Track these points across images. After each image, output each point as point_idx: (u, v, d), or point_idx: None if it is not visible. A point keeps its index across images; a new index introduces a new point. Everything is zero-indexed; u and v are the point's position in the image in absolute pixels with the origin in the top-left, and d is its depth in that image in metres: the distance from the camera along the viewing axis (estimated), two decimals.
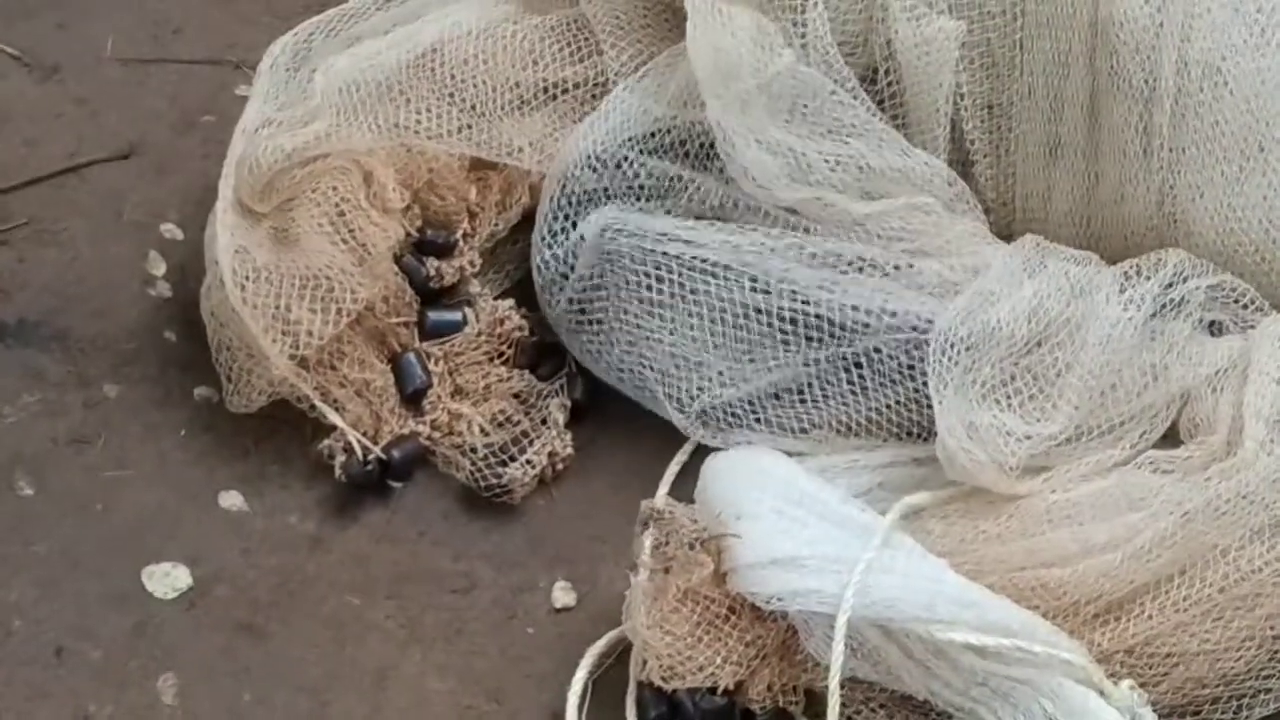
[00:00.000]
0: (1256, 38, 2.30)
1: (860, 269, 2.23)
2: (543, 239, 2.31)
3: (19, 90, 2.69)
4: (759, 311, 2.23)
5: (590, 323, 2.31)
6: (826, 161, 2.30)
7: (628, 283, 2.27)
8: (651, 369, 2.29)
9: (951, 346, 2.14)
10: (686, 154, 2.34)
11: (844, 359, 2.21)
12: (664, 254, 2.26)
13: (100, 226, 2.54)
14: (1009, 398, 2.16)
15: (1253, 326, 2.27)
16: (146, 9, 2.79)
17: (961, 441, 2.09)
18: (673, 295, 2.26)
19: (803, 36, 2.34)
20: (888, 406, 2.20)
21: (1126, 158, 2.36)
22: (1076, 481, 2.14)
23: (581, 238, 2.27)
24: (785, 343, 2.22)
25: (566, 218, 2.31)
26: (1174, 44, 2.31)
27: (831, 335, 2.21)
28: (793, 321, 2.22)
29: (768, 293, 2.22)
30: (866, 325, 2.19)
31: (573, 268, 2.29)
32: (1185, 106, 2.32)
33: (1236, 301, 2.30)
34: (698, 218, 2.31)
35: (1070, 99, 2.38)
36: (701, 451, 2.25)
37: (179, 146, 2.63)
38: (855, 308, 2.20)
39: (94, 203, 2.57)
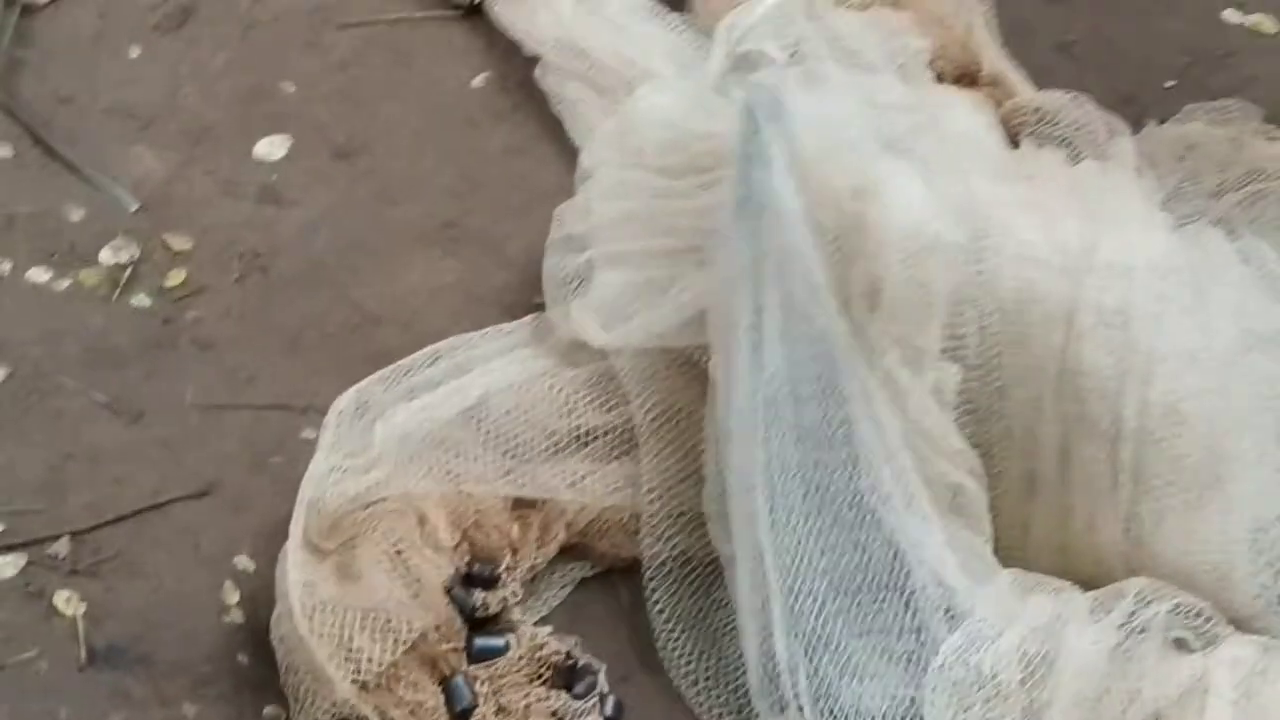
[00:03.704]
0: (1211, 382, 2.47)
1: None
2: None
3: (109, 434, 2.75)
4: None
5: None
6: None
7: None
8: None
9: (942, 692, 2.28)
10: None
11: None
12: None
13: (180, 559, 2.62)
14: None
15: (1213, 643, 2.38)
16: (223, 360, 2.86)
17: None
18: None
19: None
20: None
21: (1095, 491, 2.49)
22: None
23: None
24: None
25: None
26: (1136, 388, 2.47)
27: None
28: None
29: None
30: None
31: None
32: (1147, 443, 2.46)
33: (1198, 617, 2.40)
34: None
35: (1044, 439, 2.51)
36: None
37: (251, 485, 2.69)
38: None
39: (175, 537, 2.64)
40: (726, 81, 2.50)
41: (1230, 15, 3.41)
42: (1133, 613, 2.38)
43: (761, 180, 2.33)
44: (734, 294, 2.41)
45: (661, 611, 2.56)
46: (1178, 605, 2.41)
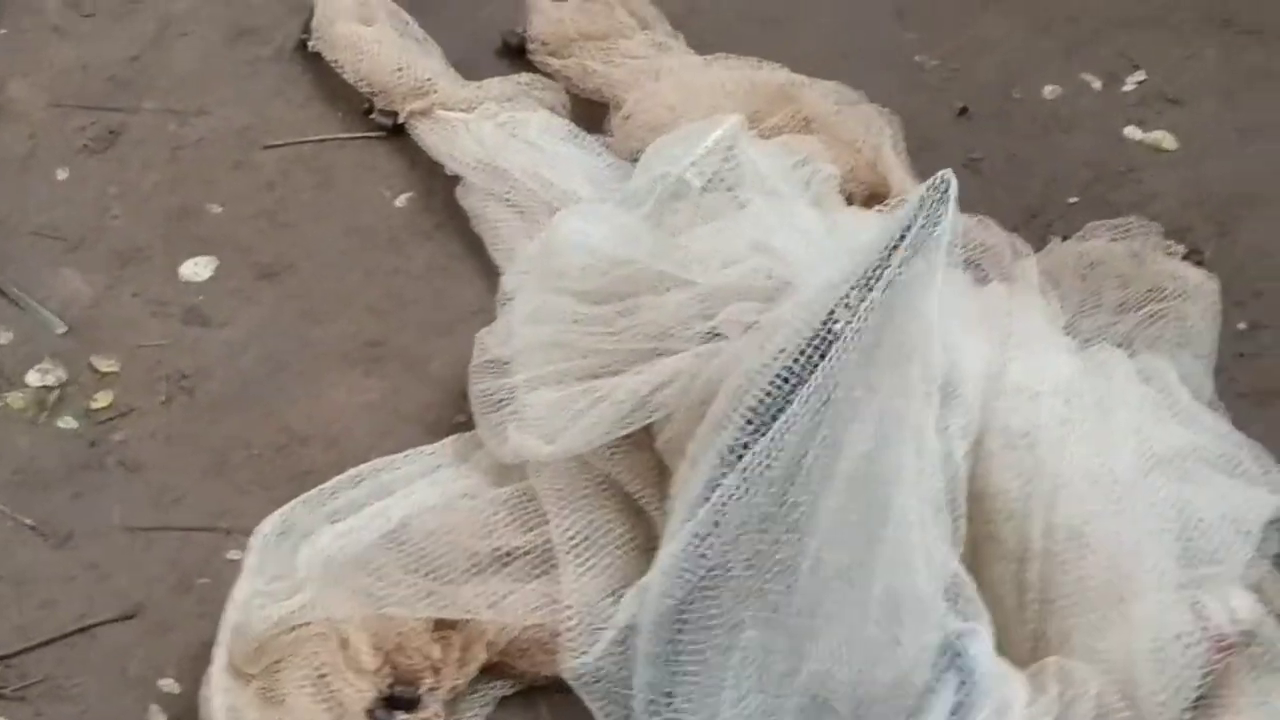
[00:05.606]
0: (1113, 505, 2.54)
1: None
2: None
3: (36, 557, 2.75)
4: None
5: None
6: None
7: None
8: None
9: None
10: None
11: None
12: None
13: (107, 682, 2.63)
14: None
15: None
16: (150, 482, 2.87)
17: None
18: None
19: None
20: None
21: (1004, 608, 2.54)
22: None
23: None
24: None
25: None
26: (1041, 511, 2.53)
27: None
28: None
29: None
30: None
31: None
32: (1052, 564, 2.51)
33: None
34: None
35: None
36: None
37: (178, 607, 2.70)
38: None
39: (102, 660, 2.65)
40: (658, 209, 2.55)
41: (1131, 132, 3.49)
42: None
43: (919, 267, 2.38)
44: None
45: None
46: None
